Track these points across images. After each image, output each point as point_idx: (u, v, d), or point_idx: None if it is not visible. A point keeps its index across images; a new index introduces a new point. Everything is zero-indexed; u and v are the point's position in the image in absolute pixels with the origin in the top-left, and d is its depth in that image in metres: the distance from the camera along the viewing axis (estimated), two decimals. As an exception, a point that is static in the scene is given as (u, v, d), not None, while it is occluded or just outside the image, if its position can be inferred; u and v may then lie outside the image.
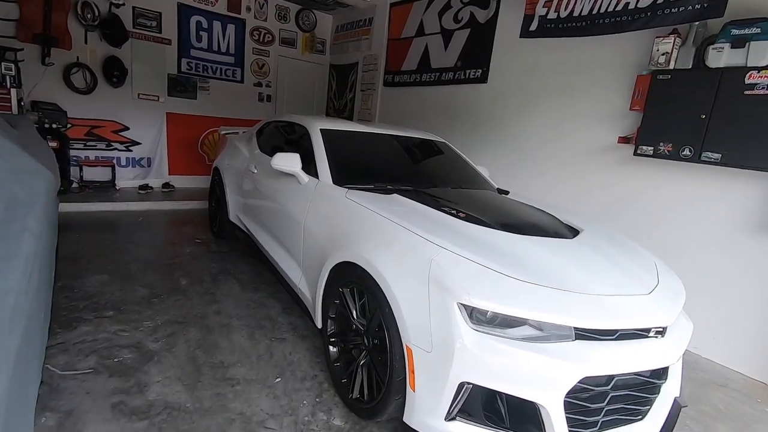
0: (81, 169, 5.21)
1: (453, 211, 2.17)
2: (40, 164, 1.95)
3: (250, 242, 3.53)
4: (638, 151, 3.08)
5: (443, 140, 3.51)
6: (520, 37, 3.82)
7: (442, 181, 3.00)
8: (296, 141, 3.34)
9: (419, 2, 5.22)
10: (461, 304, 1.52)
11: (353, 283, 2.01)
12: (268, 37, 6.40)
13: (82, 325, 2.44)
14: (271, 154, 3.39)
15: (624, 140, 3.25)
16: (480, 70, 4.50)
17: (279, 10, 6.41)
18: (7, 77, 4.39)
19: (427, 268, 1.65)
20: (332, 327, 2.21)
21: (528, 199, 2.86)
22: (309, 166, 2.74)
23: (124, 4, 5.11)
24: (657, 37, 2.92)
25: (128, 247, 3.73)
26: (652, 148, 3.00)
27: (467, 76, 4.64)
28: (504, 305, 1.51)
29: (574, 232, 2.26)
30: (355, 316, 2.04)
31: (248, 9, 6.12)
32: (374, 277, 1.83)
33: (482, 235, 1.92)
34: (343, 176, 2.60)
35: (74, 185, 5.23)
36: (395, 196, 2.36)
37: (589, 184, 3.56)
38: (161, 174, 5.91)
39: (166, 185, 5.79)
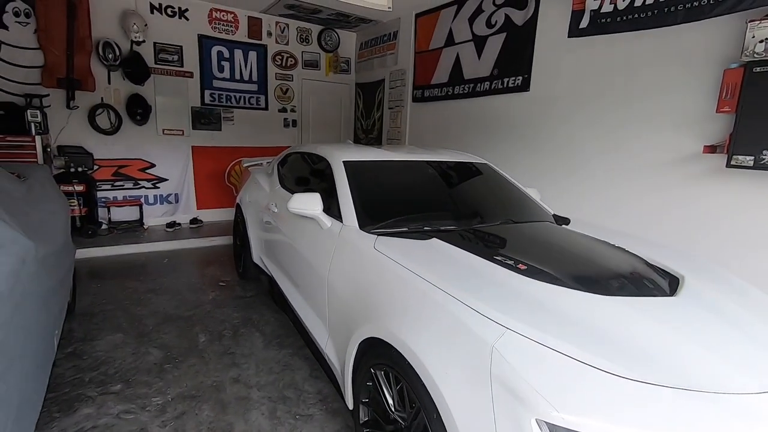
0: (109, 211, 5.12)
1: (510, 262, 1.70)
2: (16, 231, 1.66)
3: (274, 288, 3.19)
4: (733, 162, 2.49)
5: (484, 161, 3.05)
6: (569, 36, 3.32)
7: (488, 213, 2.53)
8: (319, 174, 2.98)
9: (447, 9, 4.82)
10: (544, 422, 1.06)
11: (388, 366, 1.58)
12: (291, 61, 6.20)
13: (84, 405, 2.13)
14: (293, 189, 3.09)
15: (710, 149, 2.66)
16: (520, 78, 4.01)
17: (300, 33, 6.20)
18: (33, 125, 4.35)
19: (487, 360, 1.19)
20: (365, 414, 1.78)
21: (595, 229, 2.34)
22: (332, 205, 2.36)
23: (144, 41, 5.03)
24: (751, 21, 2.35)
25: (149, 298, 3.48)
26: (752, 157, 2.41)
27: (505, 85, 4.17)
28: (611, 424, 1.03)
29: (672, 281, 1.73)
30: (392, 407, 1.60)
31: (269, 34, 5.94)
32: (413, 366, 1.39)
33: (555, 298, 1.45)
34: (371, 217, 2.20)
35: (103, 227, 5.14)
36: (434, 241, 1.92)
37: (661, 204, 2.98)
38: (189, 209, 5.76)
39: (194, 220, 5.62)
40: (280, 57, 6.11)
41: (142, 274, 4.05)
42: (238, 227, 4.04)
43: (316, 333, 2.29)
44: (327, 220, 2.28)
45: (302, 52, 6.27)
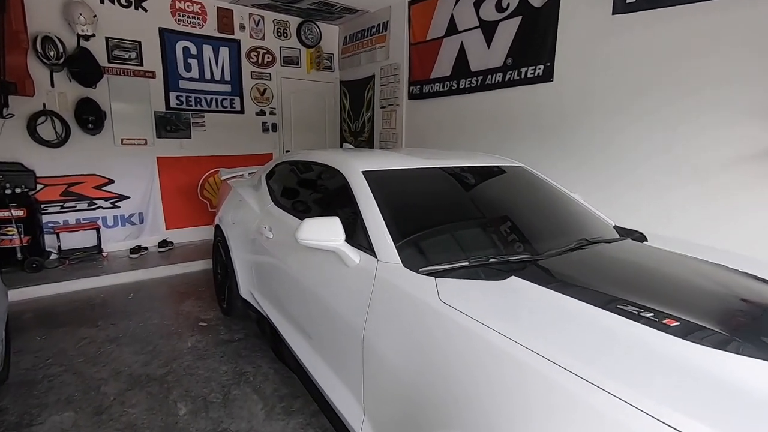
0: (58, 237, 4.30)
1: (648, 314, 1.15)
2: None
3: (269, 331, 2.55)
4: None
5: (518, 163, 2.52)
6: (614, 13, 2.84)
7: (552, 231, 1.99)
8: (325, 189, 2.36)
9: (446, -6, 4.29)
10: None
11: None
12: (268, 58, 5.52)
13: None
14: (291, 209, 2.46)
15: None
16: (541, 67, 3.51)
17: (277, 26, 5.53)
18: (-47, 138, 3.52)
19: None
20: None
21: (683, 245, 1.85)
22: (356, 232, 1.76)
23: (94, 35, 4.26)
24: None
25: (110, 351, 2.76)
26: None
27: (523, 75, 3.66)
28: None
29: None
30: None
31: (242, 27, 5.25)
32: None
33: (754, 380, 0.91)
34: (417, 249, 1.61)
35: (52, 257, 4.32)
36: (516, 282, 1.38)
37: (731, 209, 2.52)
38: (157, 230, 4.99)
39: (163, 243, 4.86)
40: (256, 53, 5.42)
41: (102, 316, 3.29)
42: (219, 253, 3.35)
43: (343, 407, 1.68)
44: (353, 254, 1.67)
45: (280, 47, 5.60)
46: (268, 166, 3.15)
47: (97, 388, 2.35)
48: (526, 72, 3.64)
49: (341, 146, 6.27)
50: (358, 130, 5.89)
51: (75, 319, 3.23)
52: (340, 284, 1.73)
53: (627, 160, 2.97)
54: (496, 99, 3.96)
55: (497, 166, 2.40)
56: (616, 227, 2.21)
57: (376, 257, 1.61)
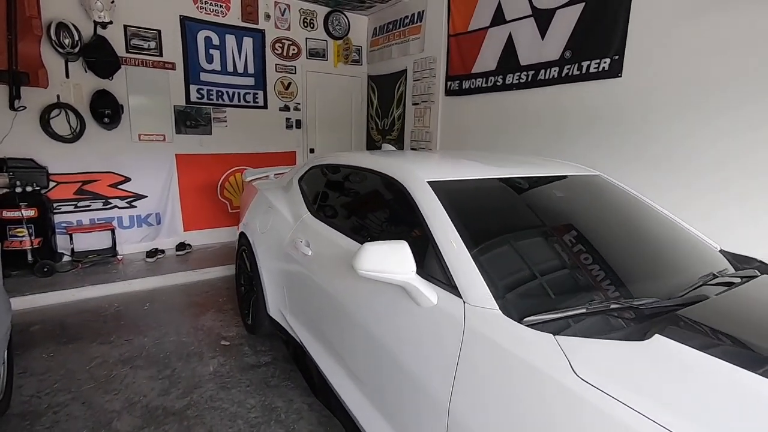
0: (71, 239, 4.03)
1: None
2: None
3: (303, 360, 2.21)
4: None
5: (596, 172, 2.14)
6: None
7: (663, 263, 1.60)
8: (375, 200, 2.01)
9: (493, -20, 3.89)
10: None
11: None
12: (293, 50, 5.18)
13: None
14: (332, 222, 2.11)
15: None
16: (607, 60, 3.10)
17: (304, 16, 5.19)
18: (-40, 131, 3.26)
19: None
20: None
21: None
22: (427, 261, 1.41)
23: (111, 23, 3.96)
24: None
25: (123, 375, 2.45)
26: None
27: (584, 70, 3.25)
28: None
29: None
30: None
31: (267, 17, 4.91)
32: None
33: None
34: (518, 290, 1.25)
35: (64, 259, 4.06)
36: (665, 344, 1.00)
37: None
38: (174, 232, 4.70)
39: (180, 246, 4.57)
40: (281, 45, 5.09)
41: (115, 329, 3.00)
42: (244, 264, 3.03)
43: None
44: (428, 292, 1.31)
45: (306, 38, 5.26)
46: (299, 168, 2.81)
47: (108, 424, 2.04)
48: (588, 66, 3.23)
49: (367, 146, 5.92)
50: (386, 129, 5.52)
51: (86, 332, 2.94)
52: (409, 328, 1.37)
53: (712, 170, 2.56)
54: (549, 96, 3.55)
55: (577, 176, 2.02)
56: (722, 251, 1.82)
57: (461, 298, 1.25)
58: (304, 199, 2.45)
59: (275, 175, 3.51)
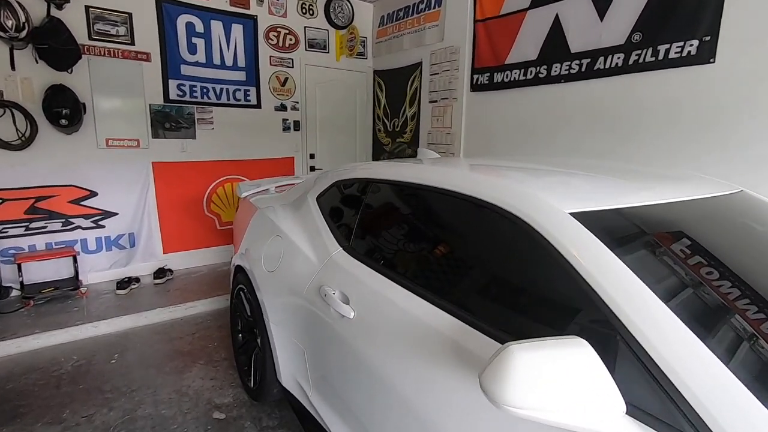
0: (20, 269, 3.24)
1: None
2: None
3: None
4: None
5: (737, 187, 1.52)
6: None
7: None
8: (465, 238, 1.33)
9: (533, -47, 3.27)
10: None
11: None
12: (291, 40, 4.48)
13: None
14: (386, 268, 1.40)
15: None
16: (694, 43, 2.50)
17: (302, 0, 4.49)
18: None
19: None
20: None
21: None
22: (610, 366, 0.73)
23: (69, 1, 3.21)
24: None
25: (73, 481, 1.72)
26: None
27: (661, 56, 2.65)
28: None
29: None
30: None
31: (260, 1, 4.21)
32: None
33: None
34: None
35: (12, 294, 3.27)
36: None
37: None
38: (152, 255, 3.94)
39: (159, 272, 3.81)
40: (276, 34, 4.38)
41: (71, 399, 2.25)
42: (242, 307, 2.33)
43: None
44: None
45: (305, 27, 4.56)
46: (313, 181, 2.12)
47: None
48: (668, 51, 2.62)
49: (374, 150, 5.24)
50: (396, 130, 4.86)
51: (30, 405, 2.19)
52: None
53: None
54: (611, 88, 2.94)
55: (718, 197, 1.38)
56: None
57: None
58: (330, 228, 1.76)
59: (276, 188, 2.82)
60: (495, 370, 0.71)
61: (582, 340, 0.72)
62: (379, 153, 5.16)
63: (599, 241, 0.89)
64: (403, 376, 1.15)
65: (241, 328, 2.47)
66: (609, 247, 0.88)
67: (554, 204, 1.00)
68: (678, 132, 2.62)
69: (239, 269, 2.34)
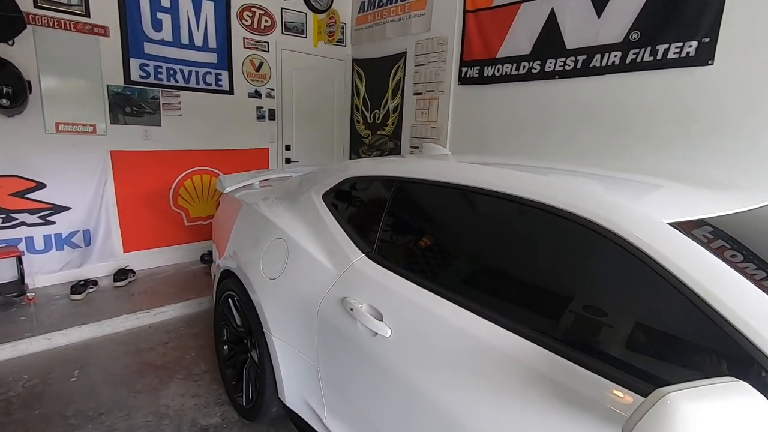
0: (-48, 274, 2.79)
1: None
2: None
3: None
4: None
5: None
6: None
7: None
8: (528, 249, 1.18)
9: (529, -57, 3.19)
10: None
11: None
12: (266, 21, 4.16)
13: None
14: (428, 280, 1.22)
15: None
16: (693, 44, 2.51)
17: (279, -21, 4.19)
18: None
19: None
20: None
21: None
22: None
23: (10, -39, 2.76)
24: None
25: None
26: None
27: (660, 56, 2.64)
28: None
29: None
30: None
31: (233, -24, 3.86)
32: None
33: None
34: None
35: (-58, 303, 2.81)
36: None
37: None
38: (111, 254, 3.54)
39: (120, 273, 3.42)
40: (250, 14, 4.05)
41: (26, 424, 1.93)
42: (231, 316, 2.09)
43: None
44: None
45: (282, 9, 4.25)
46: (316, 177, 1.92)
47: None
48: (666, 51, 2.62)
49: (352, 143, 5.03)
50: (377, 123, 4.68)
51: (-27, 439, 1.85)
52: None
53: None
54: (605, 88, 2.92)
55: None
56: None
57: None
58: (346, 232, 1.57)
59: (260, 182, 2.57)
60: (653, 425, 0.57)
61: (745, 384, 0.60)
62: (357, 145, 4.96)
63: (712, 253, 0.78)
64: (465, 409, 1.00)
65: (227, 338, 2.23)
66: (722, 260, 0.77)
67: (649, 214, 0.88)
68: (674, 133, 2.63)
69: (228, 274, 2.09)
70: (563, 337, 0.93)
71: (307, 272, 1.59)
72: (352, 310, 1.31)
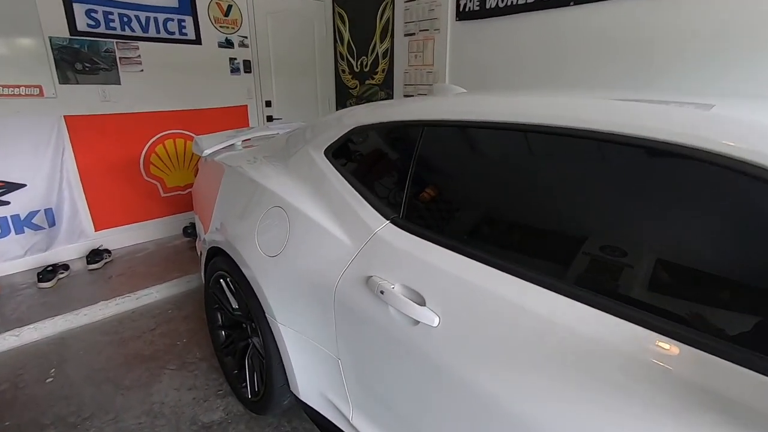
0: None
1: None
2: None
3: None
4: None
5: None
6: None
7: None
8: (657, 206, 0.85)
9: None
10: None
11: None
12: (231, -45, 3.59)
13: None
14: (489, 250, 0.88)
15: None
16: (738, -48, 2.15)
17: None
18: None
19: None
20: None
21: None
22: None
23: None
24: None
25: None
26: None
27: (696, -31, 2.28)
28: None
29: None
30: None
31: None
32: None
33: None
34: None
35: None
36: None
37: None
38: (81, 234, 3.17)
39: (94, 255, 3.07)
40: (212, -54, 3.47)
41: (-6, 442, 1.66)
42: (222, 299, 1.81)
43: None
44: None
45: (248, -61, 3.67)
46: (312, 130, 1.59)
47: None
48: (705, -38, 2.25)
49: (338, 95, 4.59)
50: (366, 70, 4.23)
51: (-67, 462, 1.57)
52: None
53: None
54: (628, 12, 2.56)
55: None
56: None
57: None
58: (362, 194, 1.26)
59: (241, 142, 2.21)
60: None
61: None
62: (344, 98, 4.53)
63: None
64: (553, 417, 0.75)
65: (222, 323, 1.96)
66: None
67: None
68: (713, 62, 2.33)
69: (216, 251, 1.78)
70: (711, 328, 0.67)
71: (316, 247, 1.29)
72: (382, 293, 1.03)
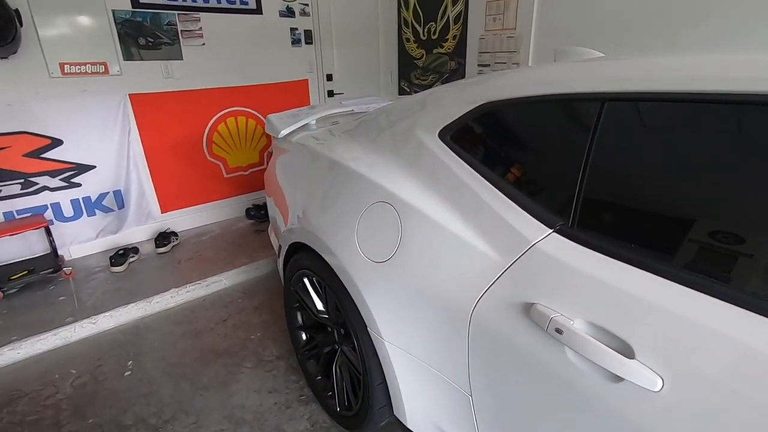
0: (-24, 252, 2.42)
1: None
2: None
3: None
4: None
5: None
6: None
7: None
8: None
9: None
10: None
11: None
12: None
13: None
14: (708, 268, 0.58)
15: None
16: None
17: None
18: None
19: None
20: None
21: None
22: None
23: None
24: None
25: None
26: None
27: None
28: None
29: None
30: None
31: None
32: None
33: None
34: None
35: (-28, 285, 2.48)
36: None
37: None
38: (148, 216, 3.11)
39: (162, 237, 3.01)
40: None
41: (79, 442, 1.59)
42: (306, 299, 1.62)
43: None
44: None
45: None
46: (418, 106, 1.31)
47: None
48: None
49: (400, 66, 4.24)
50: (434, 38, 3.85)
51: (21, 462, 1.52)
52: None
53: None
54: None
55: None
56: None
57: None
58: (505, 192, 0.98)
59: (315, 121, 1.97)
60: None
61: None
62: (408, 69, 4.18)
63: None
64: None
65: (304, 323, 1.78)
66: None
67: None
68: None
69: (300, 245, 1.58)
70: None
71: (440, 255, 1.03)
72: (560, 332, 0.76)
